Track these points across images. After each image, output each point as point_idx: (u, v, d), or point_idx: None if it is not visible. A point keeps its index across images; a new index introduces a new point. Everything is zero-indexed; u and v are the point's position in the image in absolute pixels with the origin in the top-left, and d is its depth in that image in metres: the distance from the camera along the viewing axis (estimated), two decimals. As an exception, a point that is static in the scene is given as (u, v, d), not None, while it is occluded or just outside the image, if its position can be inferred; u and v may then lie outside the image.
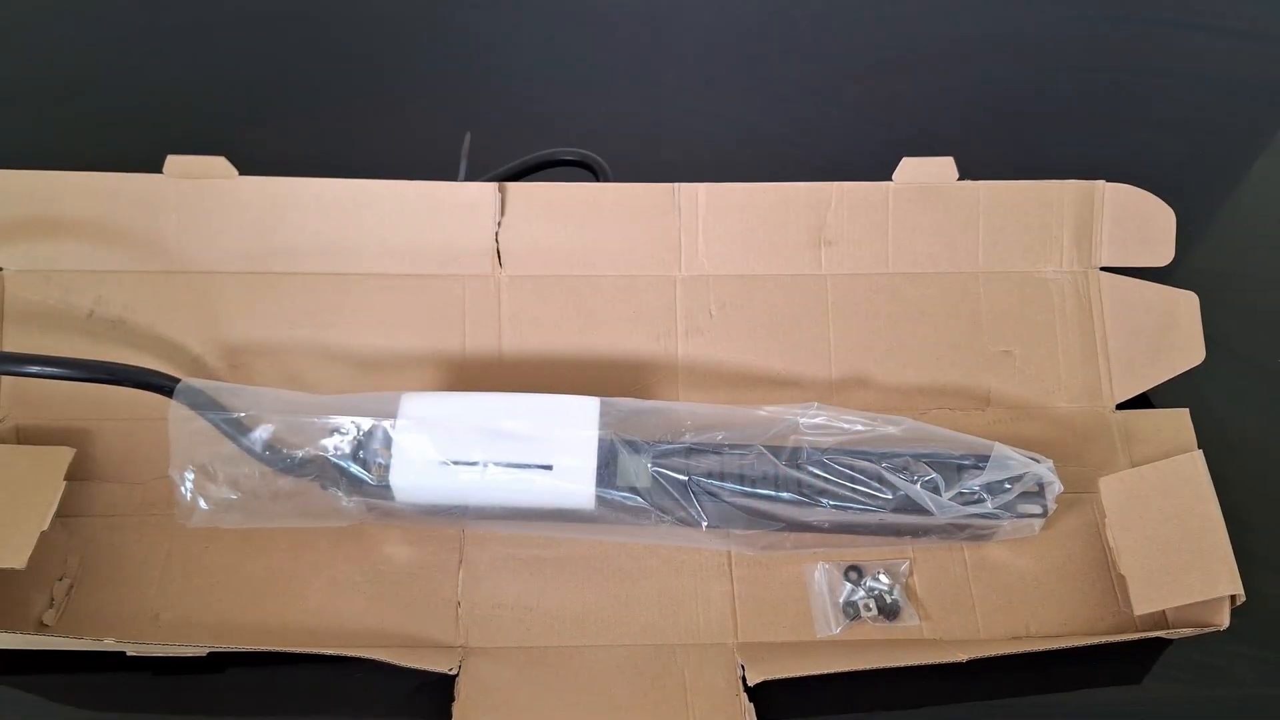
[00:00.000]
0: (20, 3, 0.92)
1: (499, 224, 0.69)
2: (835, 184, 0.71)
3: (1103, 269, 0.73)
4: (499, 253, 0.69)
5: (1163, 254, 0.72)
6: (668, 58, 0.92)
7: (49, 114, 0.85)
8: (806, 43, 0.94)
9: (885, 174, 0.71)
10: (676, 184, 0.70)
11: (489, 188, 0.69)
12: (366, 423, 0.60)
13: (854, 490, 0.62)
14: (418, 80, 0.89)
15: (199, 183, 0.67)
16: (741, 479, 0.62)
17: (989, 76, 0.91)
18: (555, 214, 0.70)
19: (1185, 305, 0.71)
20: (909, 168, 0.71)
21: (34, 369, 0.60)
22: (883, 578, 0.64)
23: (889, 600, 0.63)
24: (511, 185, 0.70)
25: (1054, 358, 0.72)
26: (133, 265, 0.67)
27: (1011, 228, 0.72)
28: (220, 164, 0.67)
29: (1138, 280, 0.72)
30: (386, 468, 0.60)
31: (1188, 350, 0.71)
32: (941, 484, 0.62)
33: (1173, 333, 0.71)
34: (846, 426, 0.64)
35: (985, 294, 0.72)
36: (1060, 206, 0.72)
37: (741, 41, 0.94)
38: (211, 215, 0.68)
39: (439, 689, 0.57)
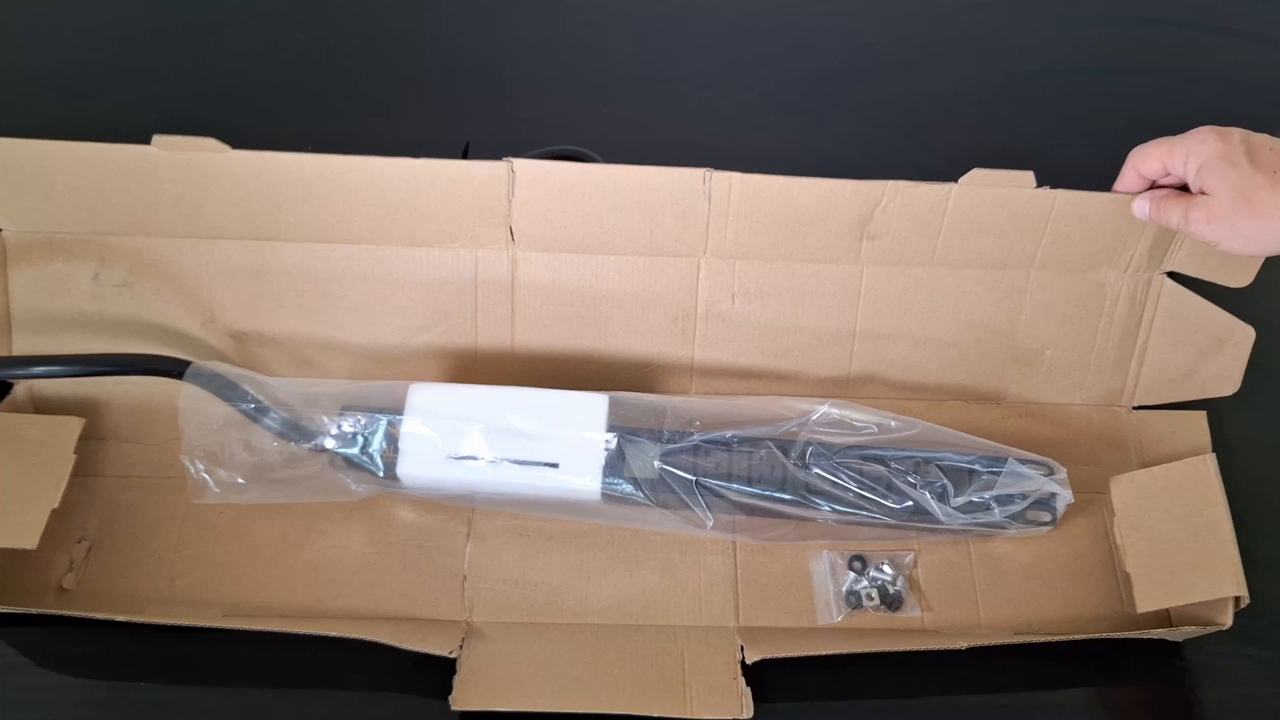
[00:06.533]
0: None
1: (510, 202, 0.65)
2: (888, 183, 0.64)
3: (1171, 274, 0.68)
4: (511, 230, 0.66)
5: (1242, 275, 0.66)
6: (669, 60, 0.92)
7: (39, 103, 0.84)
8: (808, 42, 0.94)
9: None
10: (708, 170, 0.63)
11: (500, 165, 0.63)
12: (375, 414, 0.61)
13: (862, 497, 0.62)
14: (417, 82, 0.89)
15: (193, 155, 0.62)
16: (749, 480, 0.62)
17: (989, 77, 0.91)
18: (573, 195, 0.65)
19: (1239, 336, 0.68)
20: (978, 178, 0.64)
21: (40, 369, 0.61)
22: (886, 568, 0.64)
23: (892, 591, 0.64)
24: (523, 163, 0.63)
25: (1086, 360, 0.70)
26: (132, 230, 0.65)
27: (1082, 235, 0.67)
28: (210, 144, 0.62)
29: (1200, 299, 0.68)
30: (394, 458, 0.61)
31: (1224, 379, 0.69)
32: (950, 491, 0.62)
33: (1216, 358, 0.69)
34: (859, 425, 0.64)
35: (1032, 291, 0.68)
36: (1146, 222, 0.65)
37: (744, 43, 0.94)
38: (209, 186, 0.63)
39: (442, 661, 0.58)
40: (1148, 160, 0.62)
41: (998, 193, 0.64)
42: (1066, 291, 0.68)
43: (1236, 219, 0.58)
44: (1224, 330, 0.69)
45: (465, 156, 0.75)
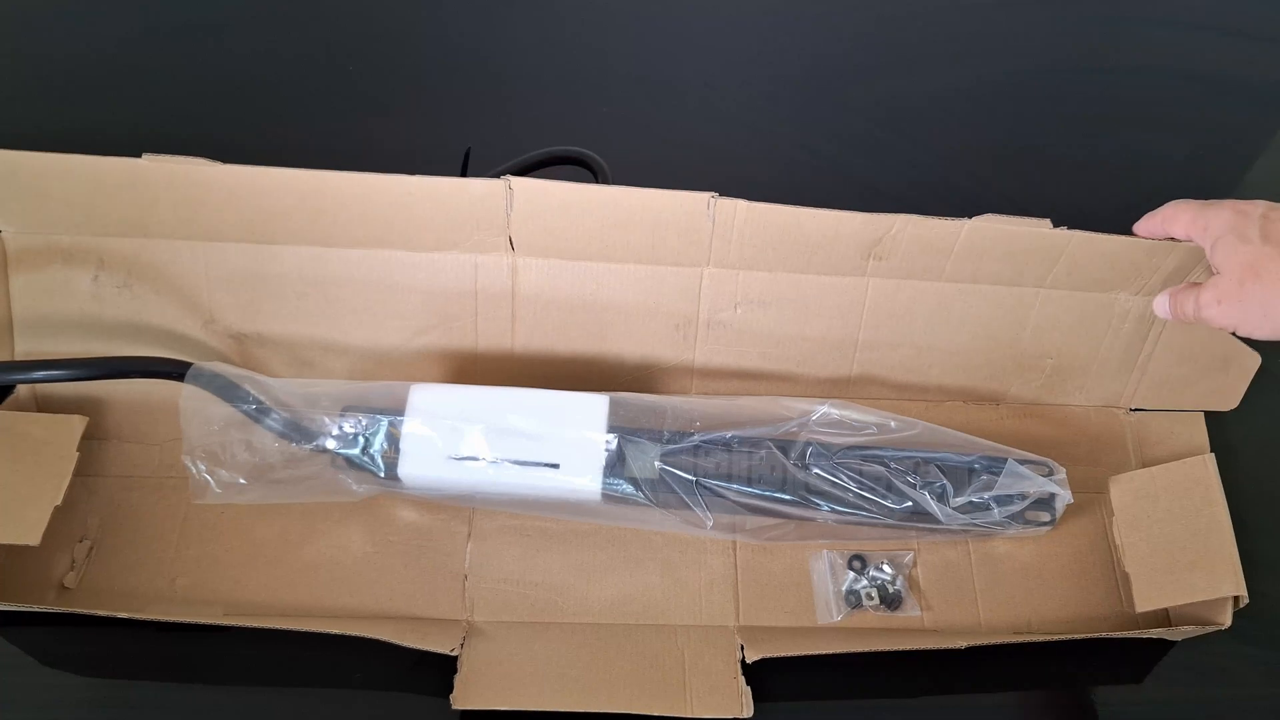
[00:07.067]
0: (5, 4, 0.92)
1: (509, 215, 0.64)
2: (898, 216, 0.62)
3: None
4: (511, 240, 0.65)
5: None
6: (669, 60, 0.92)
7: (33, 113, 0.84)
8: (808, 42, 0.94)
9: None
10: (712, 195, 0.61)
11: (497, 184, 0.62)
12: (376, 415, 0.61)
13: (861, 497, 0.62)
14: (417, 82, 0.89)
15: (187, 168, 0.61)
16: (749, 480, 0.62)
17: (989, 77, 0.91)
18: (572, 213, 0.63)
19: (1244, 360, 0.68)
20: (990, 220, 0.63)
21: (41, 374, 0.61)
22: (886, 568, 0.64)
23: (891, 590, 0.64)
24: (523, 185, 0.61)
25: (1088, 368, 0.70)
26: (130, 232, 0.65)
27: (1095, 266, 0.65)
28: (201, 162, 0.61)
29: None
30: (395, 459, 0.61)
31: (1224, 395, 0.70)
32: (950, 491, 0.62)
33: (1219, 376, 0.69)
34: (859, 425, 0.64)
35: (1040, 306, 0.67)
36: (1164, 257, 0.63)
37: (744, 43, 0.94)
38: (202, 197, 0.62)
39: (442, 660, 0.58)
40: (1176, 220, 0.59)
41: (1012, 229, 0.62)
42: (1075, 308, 0.68)
43: (1245, 296, 0.55)
44: (1230, 353, 0.69)
45: (466, 162, 0.75)
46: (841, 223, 0.62)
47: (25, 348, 0.67)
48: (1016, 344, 0.69)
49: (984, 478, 0.63)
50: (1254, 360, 0.68)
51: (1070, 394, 0.71)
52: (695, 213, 0.62)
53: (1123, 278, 0.65)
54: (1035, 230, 0.62)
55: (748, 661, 0.58)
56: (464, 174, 0.75)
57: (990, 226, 0.62)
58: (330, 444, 0.61)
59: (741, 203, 0.61)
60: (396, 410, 0.61)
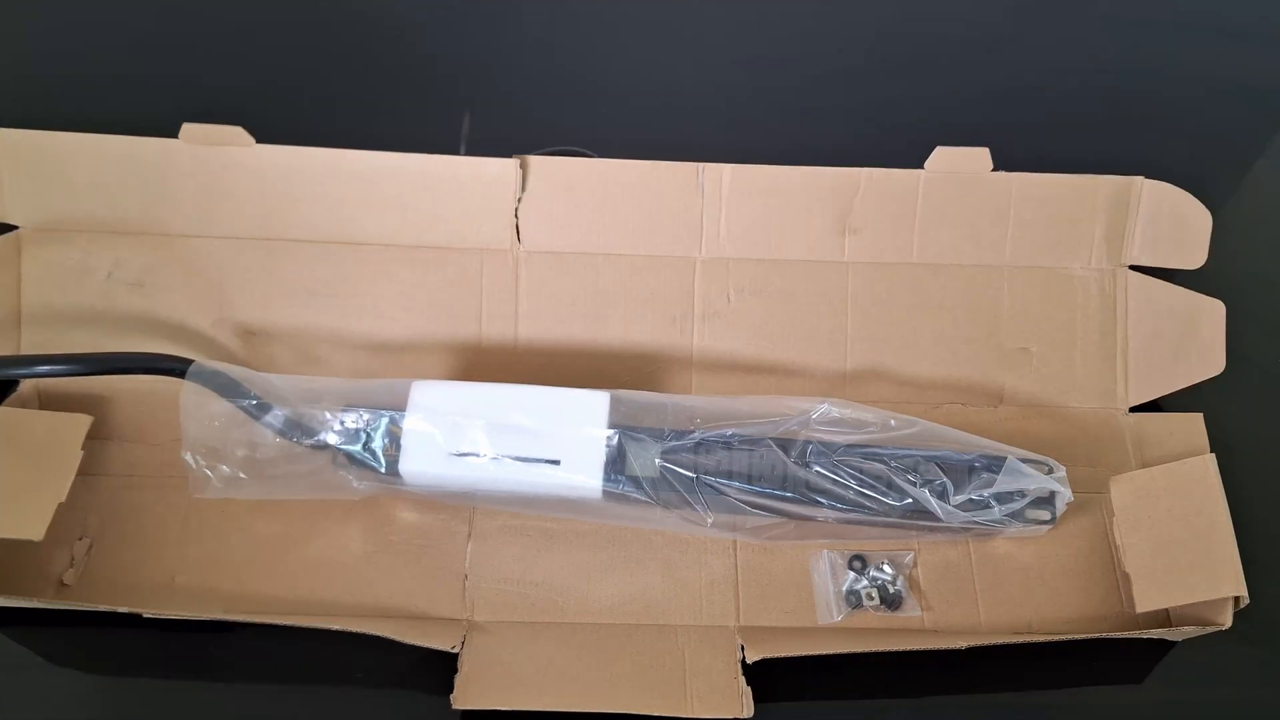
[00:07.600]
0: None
1: (519, 199, 0.69)
2: (863, 170, 0.70)
3: (1132, 267, 0.71)
4: (518, 229, 0.69)
5: (1195, 257, 0.70)
6: (669, 60, 0.92)
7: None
8: (809, 43, 0.94)
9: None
10: (701, 164, 0.69)
11: (510, 163, 0.69)
12: (377, 411, 0.61)
13: (862, 494, 0.62)
14: (417, 82, 0.88)
15: (215, 150, 0.66)
16: (749, 478, 0.62)
17: (989, 77, 0.91)
18: (576, 190, 0.69)
19: (1210, 313, 0.70)
20: (942, 157, 0.70)
21: (43, 369, 0.61)
22: (886, 568, 0.64)
23: (892, 590, 0.64)
24: (533, 160, 0.69)
25: (1071, 357, 0.71)
26: (150, 229, 0.67)
27: (1042, 222, 0.71)
28: (237, 133, 0.67)
29: (1166, 283, 0.71)
30: (396, 455, 0.61)
31: (1207, 359, 0.70)
32: (950, 489, 0.62)
33: (1194, 340, 0.70)
34: (859, 423, 0.64)
35: (1008, 288, 0.71)
36: (1094, 202, 0.70)
37: (744, 43, 0.94)
38: (227, 182, 0.67)
39: (443, 659, 0.58)
40: None
41: (961, 178, 0.70)
42: (1040, 287, 0.71)
43: None
44: (1195, 310, 0.70)
45: (464, 134, 0.76)
46: (812, 178, 0.70)
47: (32, 342, 0.67)
48: (996, 333, 0.71)
49: (984, 475, 0.63)
50: (1218, 309, 0.69)
51: (1067, 393, 0.72)
52: (687, 184, 0.69)
53: (1067, 235, 0.70)
54: (980, 177, 0.70)
55: (748, 662, 0.58)
56: (463, 146, 0.78)
57: (943, 178, 0.70)
58: (331, 440, 0.61)
59: (726, 167, 0.69)
60: (398, 407, 0.61)
